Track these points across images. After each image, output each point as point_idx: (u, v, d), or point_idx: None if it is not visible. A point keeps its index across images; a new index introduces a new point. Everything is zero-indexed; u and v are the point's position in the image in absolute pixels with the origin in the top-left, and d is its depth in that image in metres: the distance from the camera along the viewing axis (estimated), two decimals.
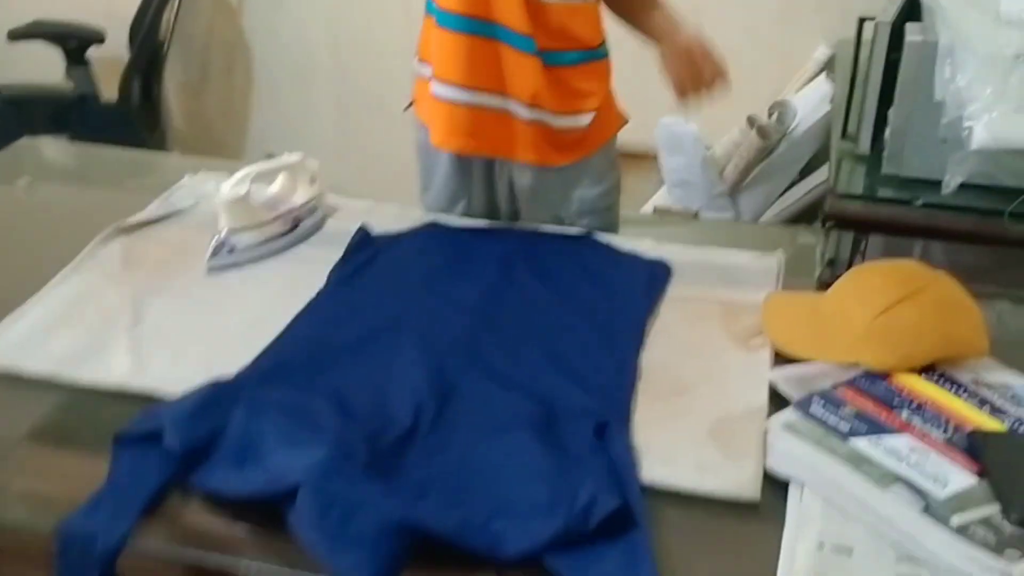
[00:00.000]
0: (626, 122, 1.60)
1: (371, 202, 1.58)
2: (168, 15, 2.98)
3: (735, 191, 2.25)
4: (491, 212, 1.61)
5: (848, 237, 1.80)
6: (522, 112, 1.47)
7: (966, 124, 1.48)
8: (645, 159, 2.41)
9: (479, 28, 1.42)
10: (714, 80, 1.47)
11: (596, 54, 1.52)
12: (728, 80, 1.47)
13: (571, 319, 1.26)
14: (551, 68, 1.45)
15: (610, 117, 1.58)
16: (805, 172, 2.32)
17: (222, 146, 3.43)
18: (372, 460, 0.96)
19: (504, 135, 1.49)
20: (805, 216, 2.20)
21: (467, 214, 1.59)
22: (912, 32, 1.61)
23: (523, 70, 1.43)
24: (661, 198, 2.38)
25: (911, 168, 1.67)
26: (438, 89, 1.48)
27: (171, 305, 1.30)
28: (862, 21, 1.76)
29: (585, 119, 1.51)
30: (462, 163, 1.56)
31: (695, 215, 2.23)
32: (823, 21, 2.45)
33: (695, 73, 1.46)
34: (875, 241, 1.78)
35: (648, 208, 2.37)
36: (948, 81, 1.52)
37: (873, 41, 1.70)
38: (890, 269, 1.23)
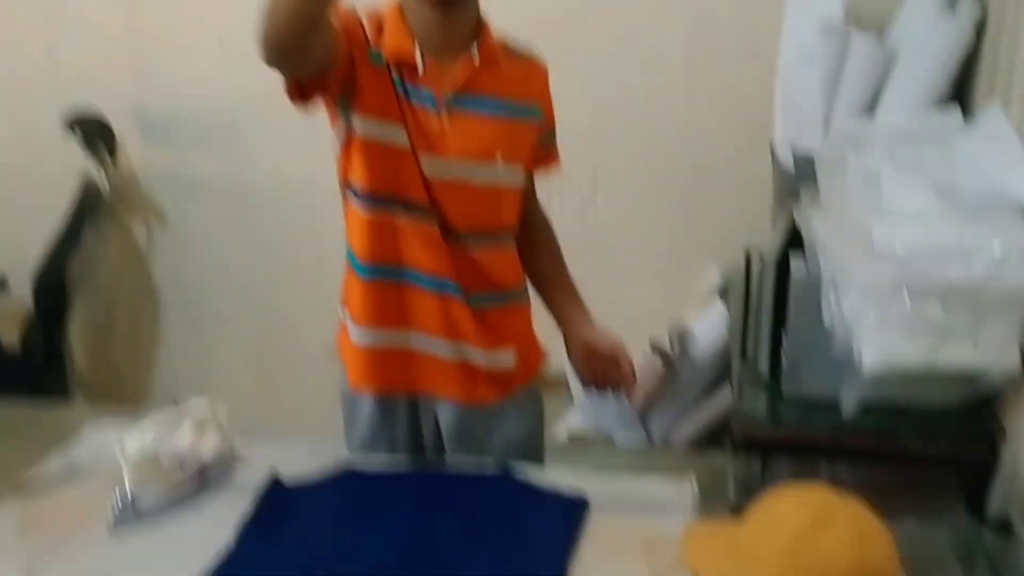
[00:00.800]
0: (546, 357, 1.66)
1: (282, 442, 1.55)
2: (76, 261, 2.98)
3: (644, 413, 2.29)
4: (415, 450, 1.61)
5: (758, 458, 1.84)
6: (444, 350, 1.51)
7: (855, 349, 1.56)
8: (555, 383, 2.46)
9: (390, 273, 1.48)
10: (619, 384, 1.63)
11: (516, 295, 1.60)
12: (634, 384, 1.63)
13: (493, 563, 1.24)
14: (474, 309, 1.52)
15: (533, 354, 1.64)
16: (712, 388, 2.38)
17: (130, 387, 3.35)
18: None
19: (427, 374, 1.54)
20: (715, 435, 2.24)
21: (391, 452, 1.59)
22: (796, 267, 1.72)
23: (441, 310, 1.50)
24: (573, 421, 2.41)
25: (810, 389, 1.73)
26: (355, 333, 1.53)
27: (71, 573, 1.23)
28: (748, 254, 1.87)
29: (508, 357, 1.57)
30: (385, 403, 1.58)
31: (609, 438, 2.26)
32: (712, 245, 2.60)
33: (599, 373, 1.63)
34: (782, 460, 1.81)
35: (562, 431, 2.39)
36: (834, 309, 1.61)
37: (760, 273, 1.80)
38: (799, 495, 1.24)
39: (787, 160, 2.13)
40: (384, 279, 1.50)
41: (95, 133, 2.95)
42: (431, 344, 1.52)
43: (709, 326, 2.37)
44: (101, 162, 2.98)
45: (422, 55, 1.44)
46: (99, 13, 3.00)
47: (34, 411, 1.94)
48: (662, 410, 2.31)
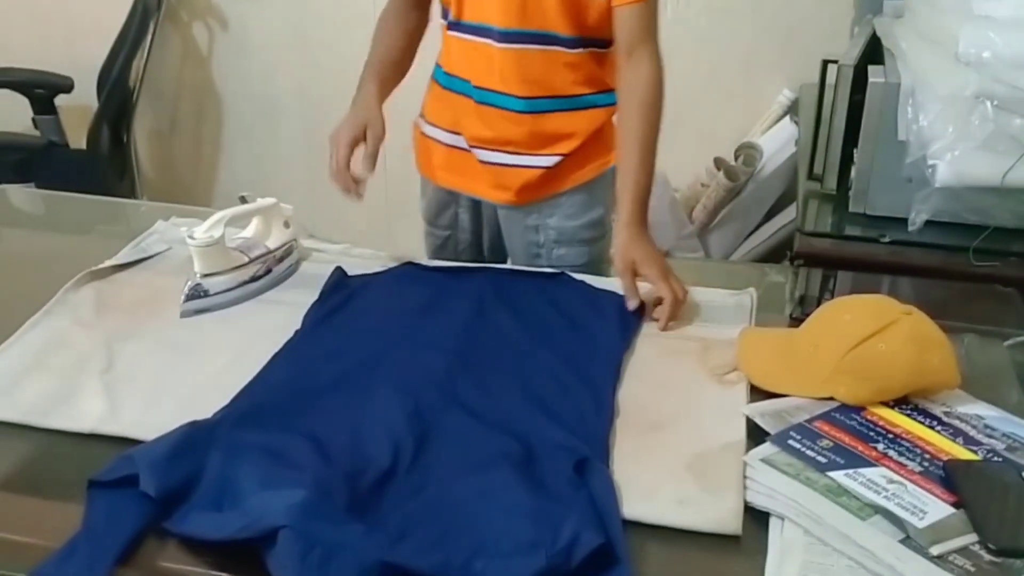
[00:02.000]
0: (610, 165, 1.62)
1: (346, 245, 1.59)
2: (137, 64, 2.98)
3: (704, 231, 2.28)
4: (476, 227, 1.70)
5: (817, 274, 1.83)
6: (487, 155, 1.56)
7: (930, 163, 1.52)
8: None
9: (445, 79, 1.59)
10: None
11: (576, 102, 1.56)
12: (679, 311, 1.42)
13: (547, 357, 1.27)
14: (520, 114, 1.51)
15: (588, 159, 1.60)
16: (773, 212, 2.35)
17: (192, 193, 3.42)
18: (351, 501, 0.95)
19: (468, 172, 1.61)
20: (774, 255, 2.23)
21: (453, 225, 1.70)
22: (875, 74, 1.65)
23: (485, 118, 1.55)
24: None
25: (877, 206, 1.71)
26: (424, 127, 1.66)
27: (144, 349, 1.29)
28: (826, 64, 1.80)
29: (548, 160, 1.56)
30: (445, 195, 1.69)
31: (666, 255, 2.26)
32: (787, 65, 2.50)
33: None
34: (843, 278, 1.80)
35: None
36: (911, 121, 1.56)
37: (836, 83, 1.74)
38: (862, 304, 1.24)
39: None
40: (441, 84, 1.60)
41: None
42: (476, 149, 1.58)
43: (777, 143, 2.32)
44: None
45: None
46: None
47: (107, 206, 1.98)
48: (723, 227, 2.30)
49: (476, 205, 1.69)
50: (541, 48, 1.50)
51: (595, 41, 1.52)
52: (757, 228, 2.33)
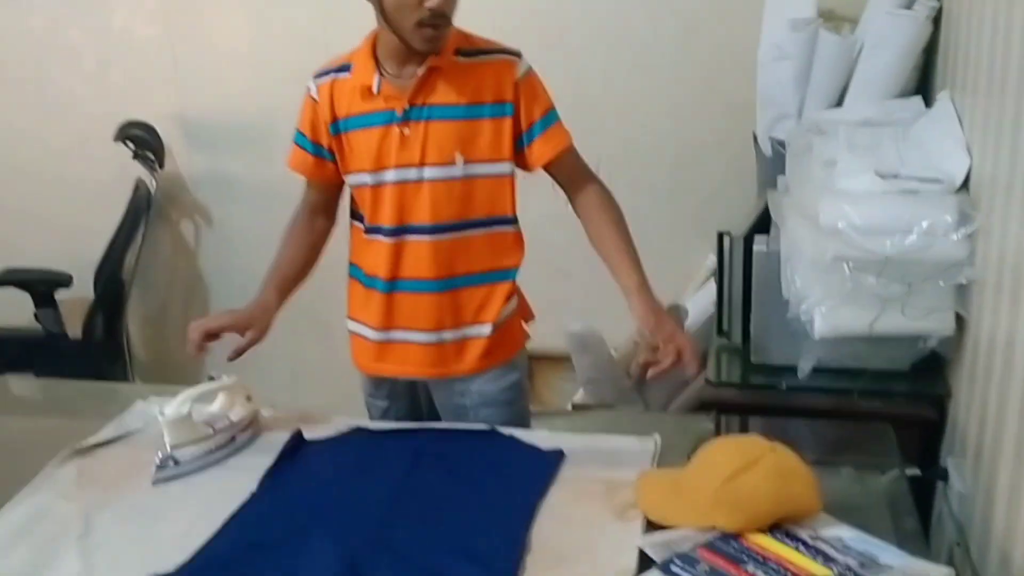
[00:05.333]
0: (523, 343, 1.87)
1: (302, 413, 1.79)
2: (131, 258, 3.26)
3: (640, 385, 2.48)
4: (411, 394, 1.88)
5: (735, 420, 2.03)
6: (419, 337, 1.78)
7: (805, 318, 1.75)
8: (562, 361, 2.67)
9: (358, 275, 1.84)
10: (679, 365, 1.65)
11: (492, 276, 1.79)
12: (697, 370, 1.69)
13: (471, 503, 1.46)
14: (445, 293, 1.75)
15: (512, 332, 1.83)
16: (704, 361, 2.56)
17: (182, 373, 3.62)
18: None
19: (405, 359, 1.81)
20: (699, 407, 2.41)
21: (391, 395, 1.88)
22: (759, 243, 1.91)
23: (413, 304, 1.77)
24: (579, 395, 2.62)
25: (774, 357, 1.93)
26: (349, 324, 1.87)
27: (119, 515, 1.47)
28: (721, 235, 2.06)
29: (485, 329, 1.78)
30: (380, 381, 1.88)
31: (608, 408, 2.45)
32: (710, 233, 2.78)
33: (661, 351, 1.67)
34: (755, 422, 2.00)
35: (566, 402, 2.60)
36: (790, 282, 1.80)
37: (731, 251, 2.00)
38: (733, 444, 1.44)
39: (766, 148, 2.31)
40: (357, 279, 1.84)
41: (144, 141, 3.23)
42: (406, 335, 1.79)
43: (703, 302, 2.55)
44: (150, 167, 3.26)
45: (381, 78, 1.68)
46: (142, 30, 3.27)
47: (96, 390, 2.19)
48: (658, 381, 2.49)
49: (413, 397, 1.89)
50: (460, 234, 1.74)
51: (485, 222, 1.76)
52: (680, 387, 2.53)
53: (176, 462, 1.58)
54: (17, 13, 3.36)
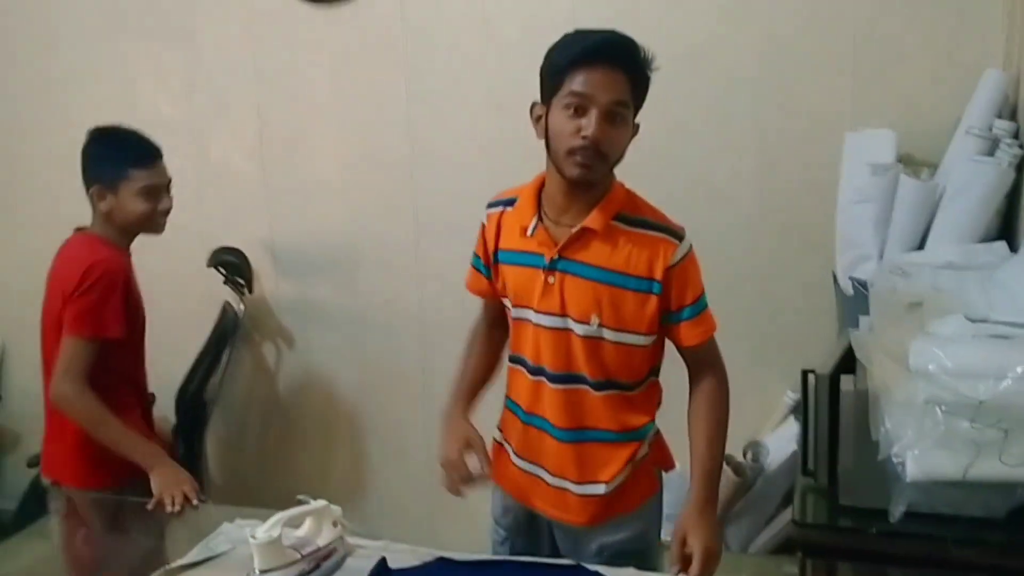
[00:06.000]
0: (655, 492, 1.91)
1: (385, 541, 1.80)
2: (214, 380, 3.34)
3: (721, 524, 2.44)
4: (534, 534, 1.92)
5: (821, 565, 1.97)
6: (547, 477, 1.84)
7: (897, 461, 1.72)
8: None
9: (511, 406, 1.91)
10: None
11: (618, 437, 1.82)
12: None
13: None
14: (568, 444, 1.80)
15: (637, 488, 1.86)
16: (787, 500, 2.51)
17: (256, 495, 3.65)
18: None
19: (534, 491, 1.88)
20: (788, 546, 2.36)
21: (512, 528, 1.93)
22: (846, 383, 1.90)
23: (538, 445, 1.84)
24: (666, 531, 2.58)
25: (864, 499, 1.88)
26: (496, 434, 1.96)
27: None
28: (805, 373, 2.06)
29: (600, 488, 1.81)
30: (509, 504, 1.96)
31: None
32: (791, 369, 2.77)
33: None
34: (844, 568, 1.95)
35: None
36: (879, 423, 1.77)
37: (816, 391, 1.99)
38: None
39: (847, 288, 2.32)
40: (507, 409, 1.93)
41: (235, 266, 3.36)
42: (537, 469, 1.86)
43: (783, 440, 2.53)
44: (239, 291, 3.38)
45: (539, 221, 1.75)
46: (238, 162, 3.45)
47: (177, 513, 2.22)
48: (739, 520, 2.46)
49: (534, 516, 1.91)
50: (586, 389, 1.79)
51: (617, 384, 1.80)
52: (772, 520, 2.49)
53: None
54: None
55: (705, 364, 1.83)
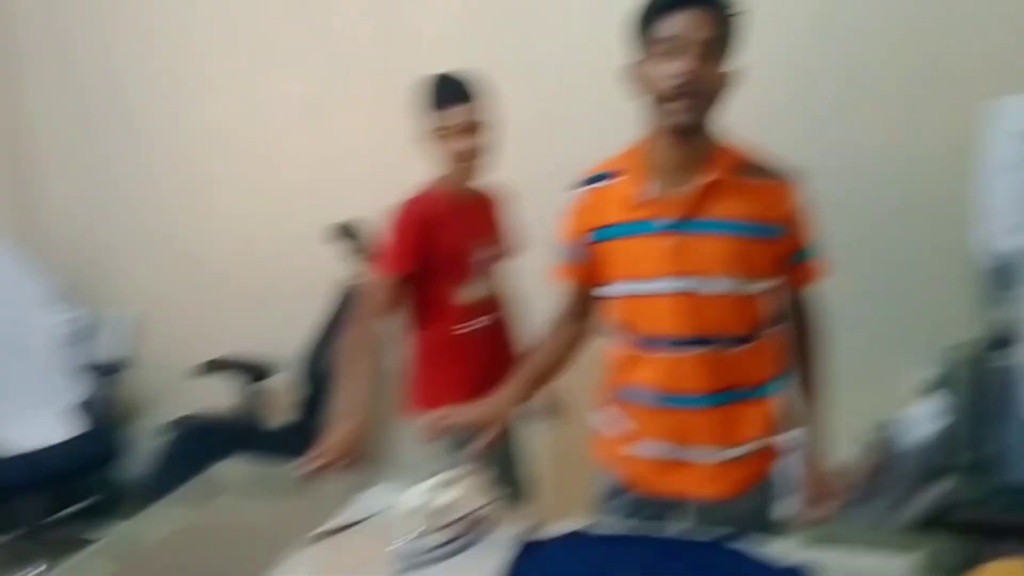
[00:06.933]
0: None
1: (535, 509, 1.80)
2: (333, 347, 3.40)
3: (860, 503, 2.39)
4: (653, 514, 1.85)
5: (977, 541, 1.92)
6: (669, 453, 1.81)
7: None
8: None
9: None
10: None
11: (754, 392, 1.81)
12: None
13: None
14: (706, 410, 1.77)
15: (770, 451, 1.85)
16: (919, 486, 2.44)
17: (371, 461, 3.71)
18: None
19: (660, 475, 1.84)
20: (929, 524, 2.30)
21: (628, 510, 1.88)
22: (997, 359, 1.84)
23: (667, 420, 1.80)
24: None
25: (1020, 475, 1.83)
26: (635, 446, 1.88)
27: None
28: (948, 350, 2.00)
29: (740, 452, 1.80)
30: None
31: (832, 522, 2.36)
32: (927, 346, 2.68)
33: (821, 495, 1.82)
34: (1003, 544, 1.89)
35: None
36: None
37: (968, 366, 1.93)
38: (1001, 572, 1.37)
39: (988, 261, 2.24)
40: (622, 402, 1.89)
41: (357, 241, 3.41)
42: (657, 449, 1.82)
43: (916, 419, 2.46)
44: (360, 262, 3.43)
45: (654, 186, 1.71)
46: (357, 141, 3.51)
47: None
48: (870, 500, 2.40)
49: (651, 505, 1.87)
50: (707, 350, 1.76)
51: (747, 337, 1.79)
52: (907, 499, 2.42)
53: (415, 553, 1.62)
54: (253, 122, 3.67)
55: (812, 309, 1.87)
